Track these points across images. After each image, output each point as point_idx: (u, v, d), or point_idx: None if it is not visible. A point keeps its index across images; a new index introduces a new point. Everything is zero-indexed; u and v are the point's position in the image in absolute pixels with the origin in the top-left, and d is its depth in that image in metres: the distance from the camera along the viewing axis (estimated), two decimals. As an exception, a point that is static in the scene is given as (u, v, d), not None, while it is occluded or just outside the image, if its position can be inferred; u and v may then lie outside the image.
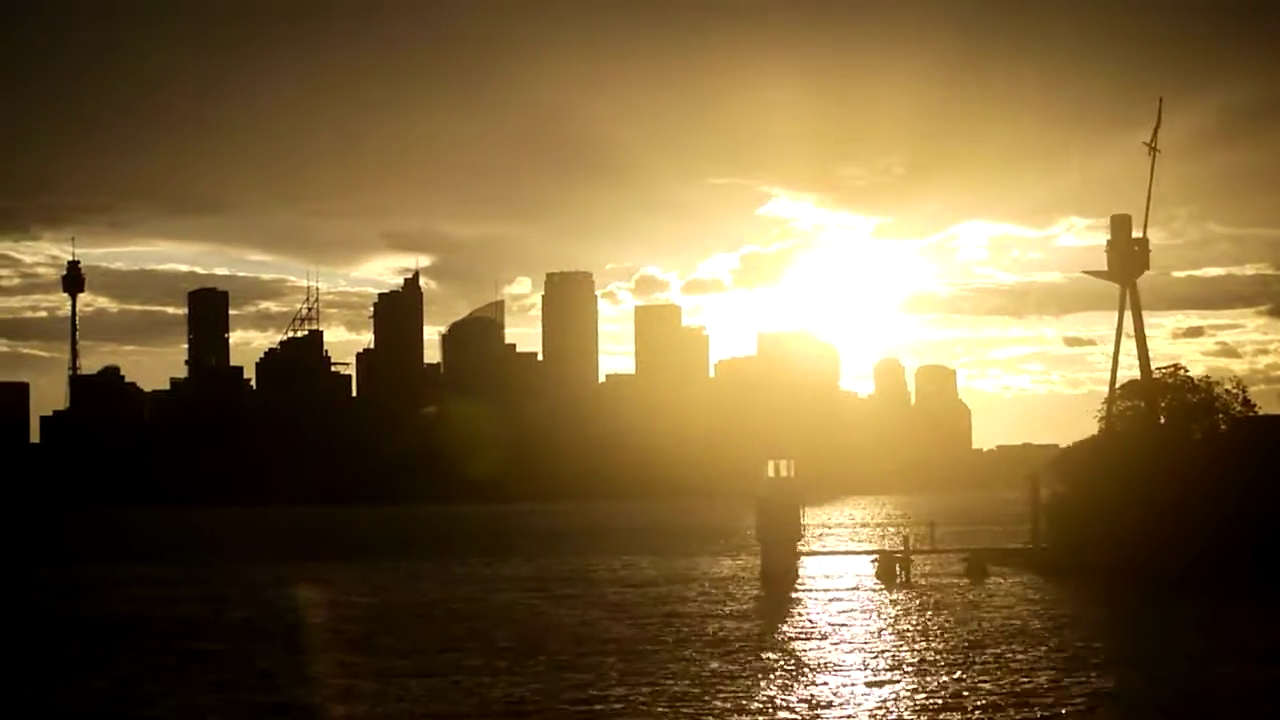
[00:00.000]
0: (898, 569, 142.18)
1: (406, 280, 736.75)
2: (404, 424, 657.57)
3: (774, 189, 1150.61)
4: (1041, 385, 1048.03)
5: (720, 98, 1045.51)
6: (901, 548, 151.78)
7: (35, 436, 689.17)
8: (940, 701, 68.36)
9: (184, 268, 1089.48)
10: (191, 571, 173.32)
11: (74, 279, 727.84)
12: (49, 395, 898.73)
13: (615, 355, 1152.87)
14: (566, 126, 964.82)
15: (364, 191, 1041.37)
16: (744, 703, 68.51)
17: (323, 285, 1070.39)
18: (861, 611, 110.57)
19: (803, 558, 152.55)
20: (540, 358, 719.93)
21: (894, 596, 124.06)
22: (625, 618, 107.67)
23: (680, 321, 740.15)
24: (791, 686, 73.53)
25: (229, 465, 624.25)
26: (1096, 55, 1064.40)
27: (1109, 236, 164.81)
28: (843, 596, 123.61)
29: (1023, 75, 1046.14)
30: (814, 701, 69.07)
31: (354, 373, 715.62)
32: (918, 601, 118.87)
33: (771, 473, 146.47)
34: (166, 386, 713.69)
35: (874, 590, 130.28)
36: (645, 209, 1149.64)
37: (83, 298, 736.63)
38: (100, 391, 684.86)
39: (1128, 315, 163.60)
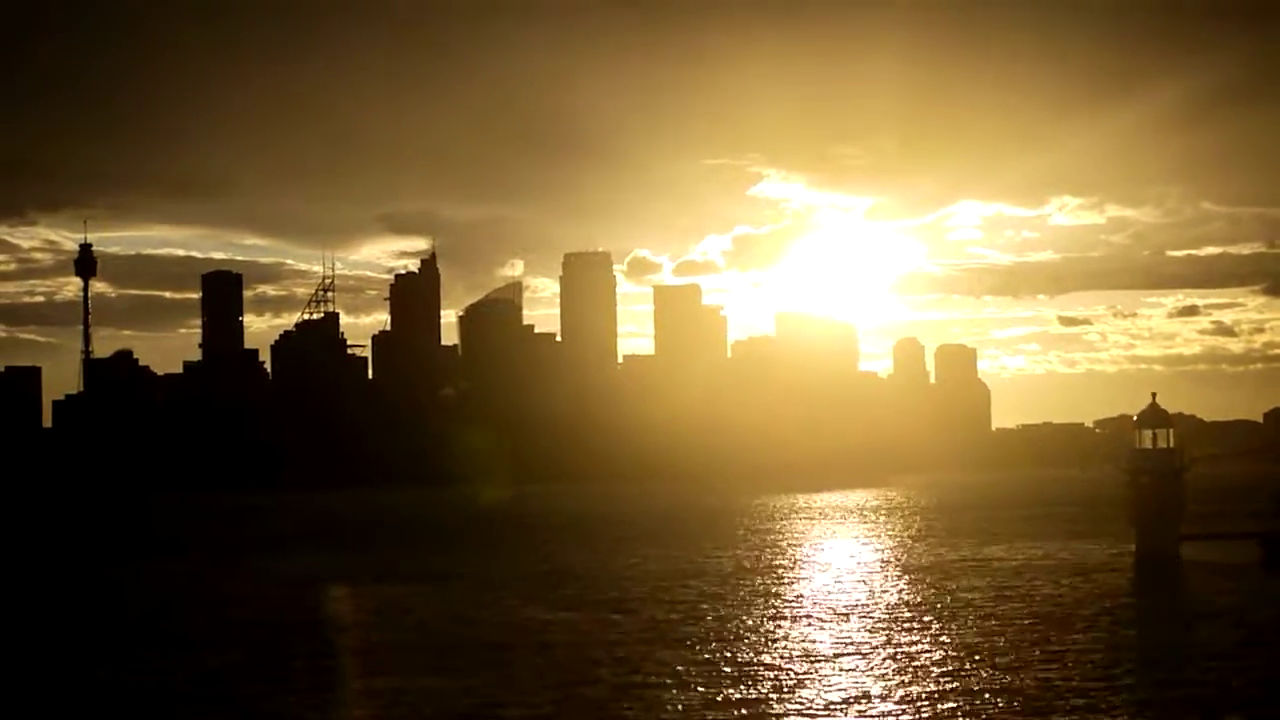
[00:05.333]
0: None
1: (423, 262, 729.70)
2: (422, 406, 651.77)
3: (765, 169, 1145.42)
4: (1039, 365, 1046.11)
5: (711, 78, 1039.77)
6: None
7: (47, 421, 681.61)
8: None
9: (180, 252, 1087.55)
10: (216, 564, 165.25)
11: (86, 262, 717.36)
12: (54, 381, 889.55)
13: (626, 337, 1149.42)
14: (557, 108, 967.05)
15: (359, 175, 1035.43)
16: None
17: (319, 269, 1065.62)
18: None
19: (1183, 542, 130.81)
20: (559, 339, 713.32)
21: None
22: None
23: (700, 301, 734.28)
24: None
25: (246, 449, 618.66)
26: (1087, 33, 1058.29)
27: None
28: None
29: (1013, 54, 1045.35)
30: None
31: (369, 355, 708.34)
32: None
33: (1147, 442, 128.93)
34: (178, 370, 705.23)
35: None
36: (636, 190, 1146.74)
37: (79, 283, 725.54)
38: (114, 375, 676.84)
39: None
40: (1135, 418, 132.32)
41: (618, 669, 72.16)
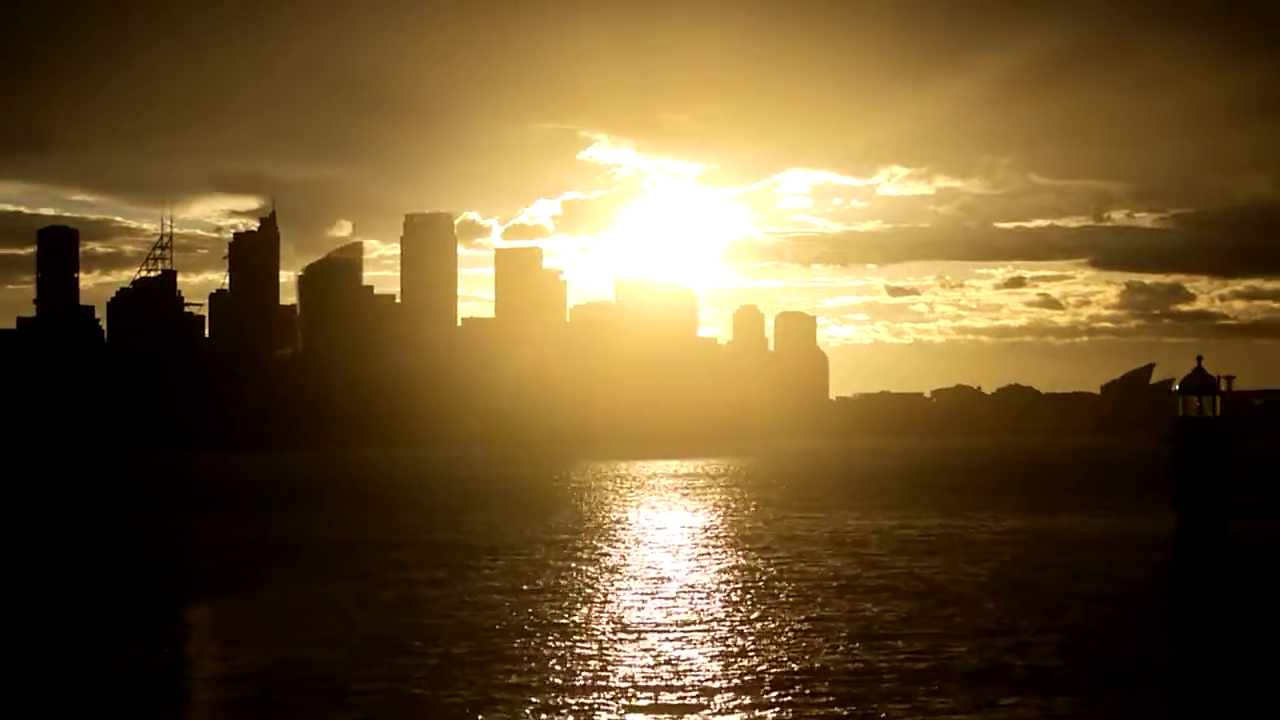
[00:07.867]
0: None
1: (262, 220, 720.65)
2: (260, 366, 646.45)
3: (595, 134, 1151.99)
4: (867, 335, 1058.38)
5: (540, 41, 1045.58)
6: None
7: None
8: None
9: (9, 207, 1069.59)
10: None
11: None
12: None
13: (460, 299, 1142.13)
14: (386, 71, 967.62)
15: (188, 134, 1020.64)
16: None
17: (149, 226, 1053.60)
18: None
19: (1229, 519, 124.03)
20: (399, 300, 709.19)
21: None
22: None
23: (541, 264, 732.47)
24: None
25: (82, 407, 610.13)
26: (919, 2, 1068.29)
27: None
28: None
29: (844, 23, 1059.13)
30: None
31: (206, 314, 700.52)
32: None
33: (1192, 410, 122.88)
34: (11, 326, 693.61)
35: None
36: (465, 153, 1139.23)
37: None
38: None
39: None
40: (1178, 384, 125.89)
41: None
